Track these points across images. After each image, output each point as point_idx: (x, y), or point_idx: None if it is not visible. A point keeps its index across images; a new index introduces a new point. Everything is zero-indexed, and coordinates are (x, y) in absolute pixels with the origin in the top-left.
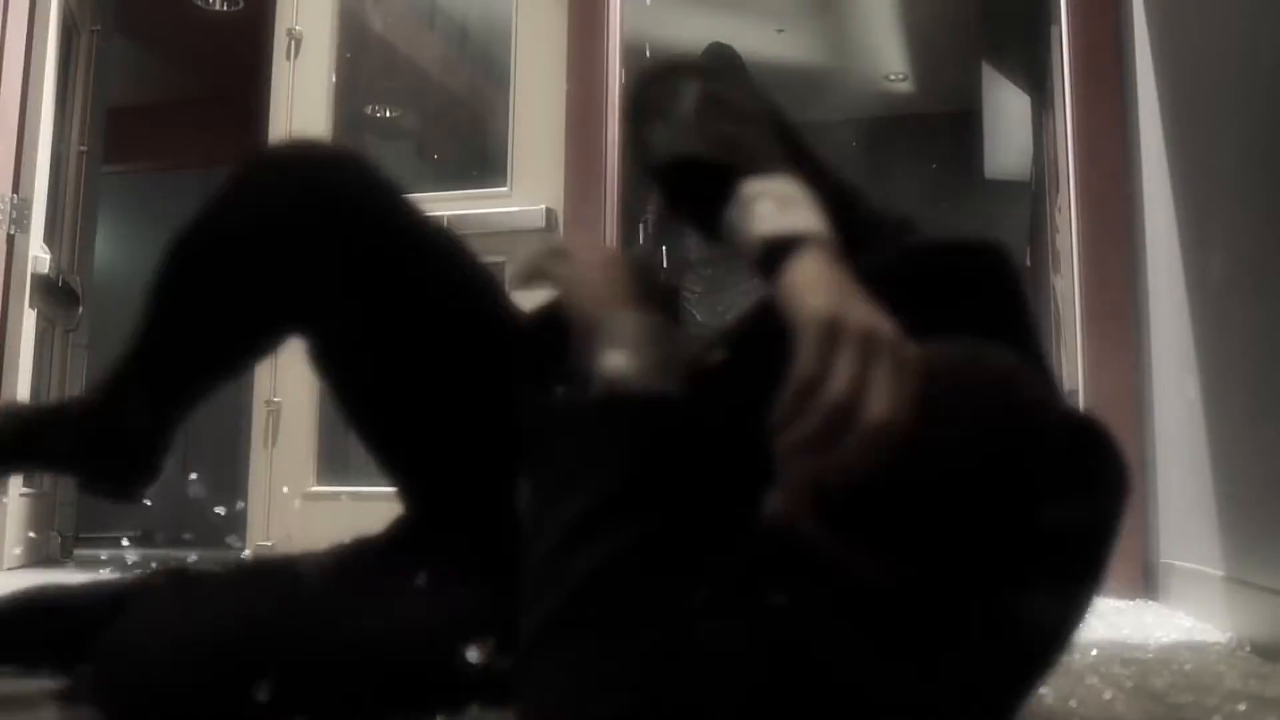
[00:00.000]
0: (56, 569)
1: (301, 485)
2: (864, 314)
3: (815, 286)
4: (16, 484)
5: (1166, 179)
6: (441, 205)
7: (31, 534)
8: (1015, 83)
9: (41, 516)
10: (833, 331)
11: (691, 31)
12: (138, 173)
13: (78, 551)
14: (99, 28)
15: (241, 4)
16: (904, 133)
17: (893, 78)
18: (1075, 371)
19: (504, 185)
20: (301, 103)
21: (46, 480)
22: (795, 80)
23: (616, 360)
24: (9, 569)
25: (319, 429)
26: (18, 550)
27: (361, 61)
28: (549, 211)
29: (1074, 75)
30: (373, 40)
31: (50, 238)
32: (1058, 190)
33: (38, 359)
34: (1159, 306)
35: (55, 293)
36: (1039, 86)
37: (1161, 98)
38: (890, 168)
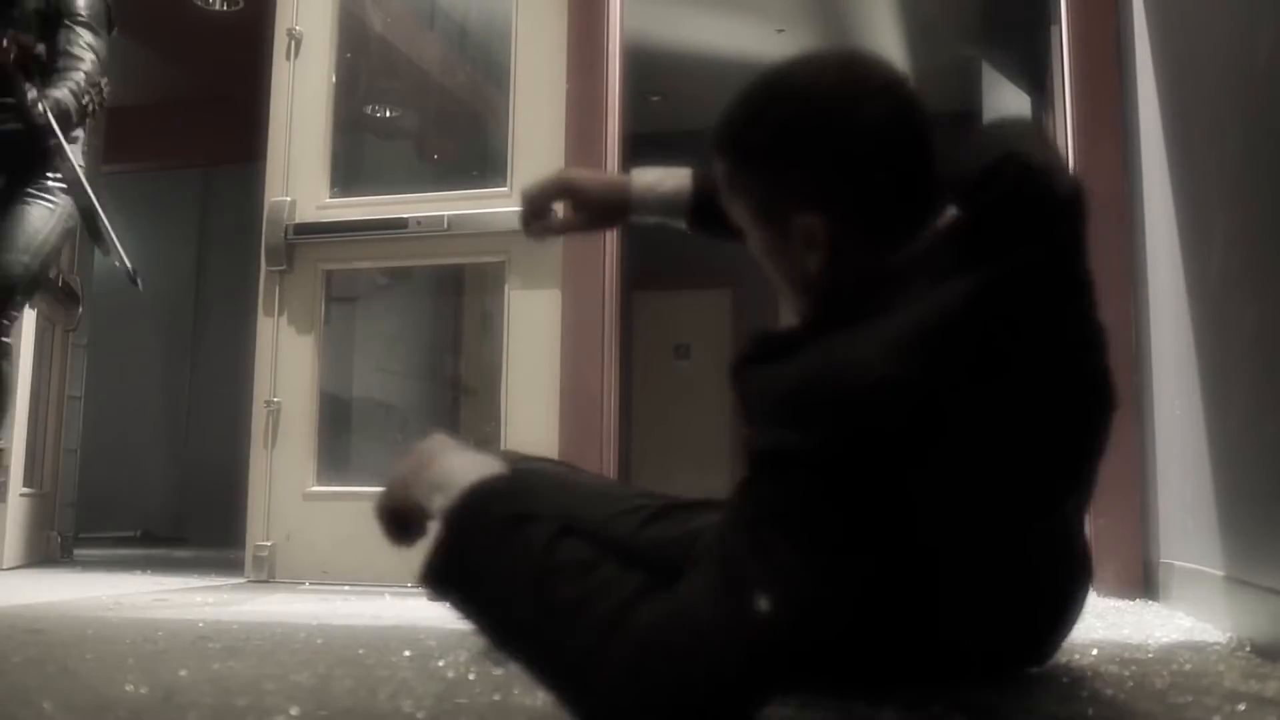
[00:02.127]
0: (57, 569)
1: (301, 485)
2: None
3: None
4: (16, 484)
5: (1166, 179)
6: (441, 205)
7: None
8: (1015, 83)
9: (41, 516)
10: None
11: (692, 32)
12: (138, 173)
13: (78, 551)
14: None
15: (241, 4)
16: None
17: None
18: None
19: (504, 185)
20: (301, 103)
21: (47, 480)
22: None
23: None
24: (9, 569)
25: (319, 429)
26: (18, 550)
27: (361, 61)
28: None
29: (1074, 75)
30: (373, 40)
31: None
32: None
33: (38, 359)
34: (1159, 306)
35: (55, 293)
36: (1039, 86)
37: (1161, 98)
38: None
